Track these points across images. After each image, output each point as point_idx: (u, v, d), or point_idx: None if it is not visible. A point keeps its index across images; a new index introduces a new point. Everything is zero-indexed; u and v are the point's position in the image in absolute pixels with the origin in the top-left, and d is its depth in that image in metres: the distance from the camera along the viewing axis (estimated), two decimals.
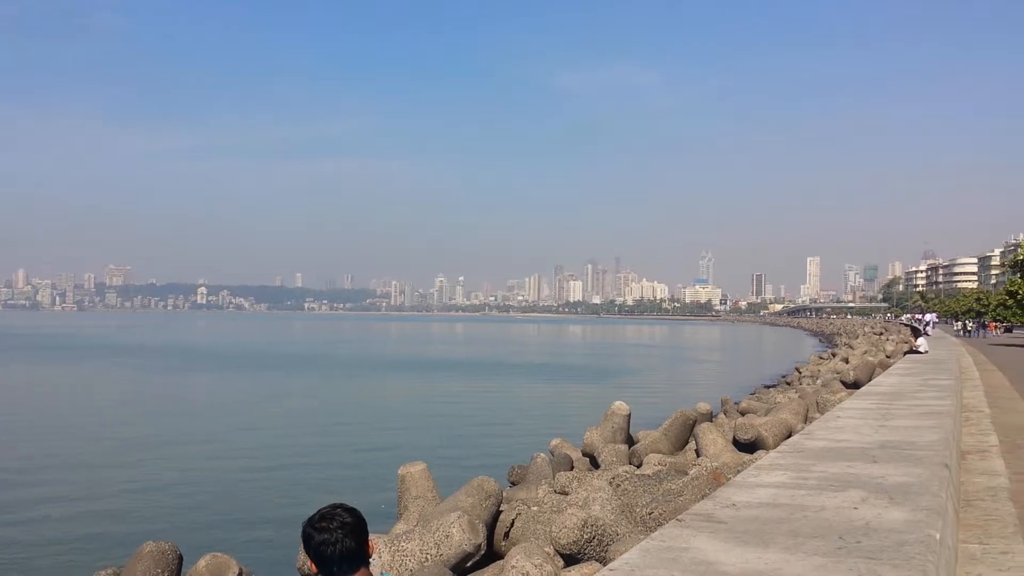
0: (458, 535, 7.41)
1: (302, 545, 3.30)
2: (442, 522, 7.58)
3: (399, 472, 11.08)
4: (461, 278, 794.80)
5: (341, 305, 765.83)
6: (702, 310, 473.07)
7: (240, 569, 8.71)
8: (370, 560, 3.36)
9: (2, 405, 35.36)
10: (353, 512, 3.32)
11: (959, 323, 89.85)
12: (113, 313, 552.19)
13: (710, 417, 19.11)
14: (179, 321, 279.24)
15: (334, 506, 3.35)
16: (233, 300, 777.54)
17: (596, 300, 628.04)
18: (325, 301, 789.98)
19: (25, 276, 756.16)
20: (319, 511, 3.32)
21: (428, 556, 7.37)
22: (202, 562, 8.53)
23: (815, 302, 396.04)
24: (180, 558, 8.75)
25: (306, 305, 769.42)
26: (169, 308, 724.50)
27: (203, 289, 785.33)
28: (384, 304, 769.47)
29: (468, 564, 7.89)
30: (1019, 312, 52.78)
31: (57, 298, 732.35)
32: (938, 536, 3.93)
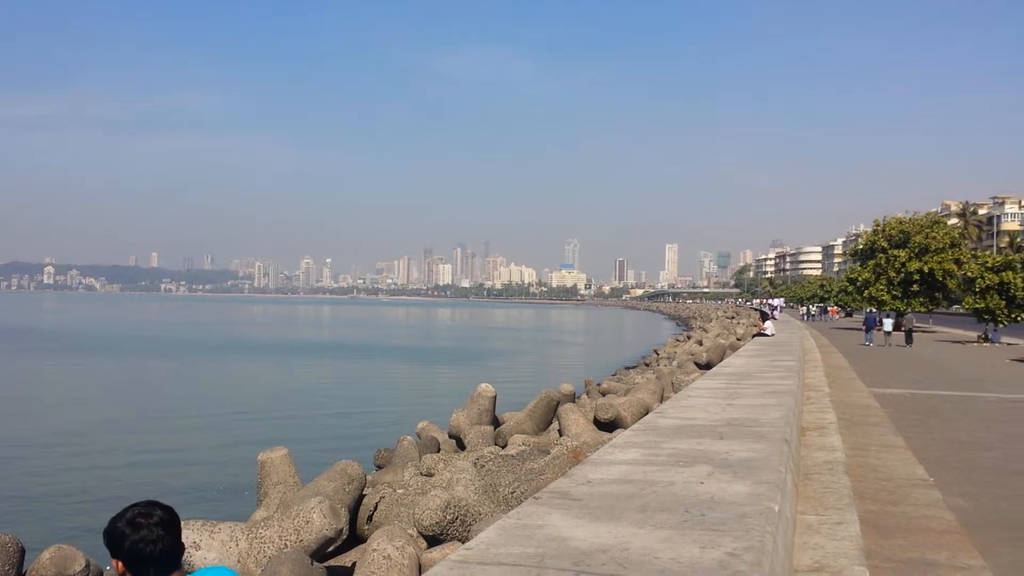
0: (319, 520, 7.31)
1: (107, 544, 2.94)
2: (302, 507, 7.46)
3: (259, 458, 10.80)
4: (328, 260, 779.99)
5: (201, 287, 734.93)
6: (568, 294, 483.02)
7: (87, 561, 8.29)
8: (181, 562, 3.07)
9: None
10: (169, 509, 3.04)
11: (804, 308, 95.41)
12: None
13: (573, 398, 19.58)
14: (23, 302, 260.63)
15: (148, 502, 3.04)
16: (83, 280, 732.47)
17: (465, 284, 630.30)
18: (183, 282, 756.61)
19: None
20: (131, 507, 3.00)
21: (287, 542, 7.23)
22: (46, 555, 8.06)
23: (673, 287, 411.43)
24: (22, 551, 8.24)
25: (163, 286, 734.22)
26: (12, 288, 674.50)
27: (50, 268, 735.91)
28: (247, 286, 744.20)
29: (330, 549, 7.79)
30: (858, 298, 56.49)
31: None
32: (777, 508, 4.18)
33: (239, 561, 7.17)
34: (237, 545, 7.26)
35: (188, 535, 7.41)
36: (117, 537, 2.94)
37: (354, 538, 9.11)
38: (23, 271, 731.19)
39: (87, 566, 8.34)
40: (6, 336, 73.66)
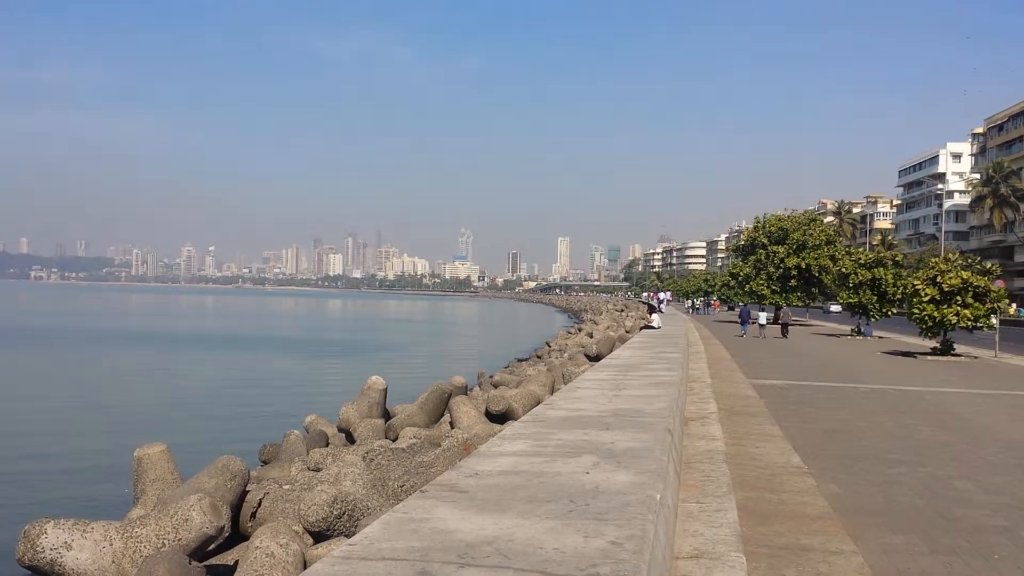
0: (198, 518, 7.07)
1: None
2: (181, 505, 7.19)
3: (135, 454, 10.36)
4: (212, 248, 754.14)
5: (74, 274, 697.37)
6: (461, 286, 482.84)
7: None
8: None
9: None
10: None
11: (689, 301, 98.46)
12: None
13: (465, 390, 19.61)
14: None
15: None
16: None
17: (357, 274, 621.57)
18: (55, 269, 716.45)
19: None
20: None
21: (165, 541, 6.96)
22: None
23: (565, 280, 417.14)
24: None
25: (32, 273, 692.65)
26: None
27: None
28: (124, 274, 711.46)
29: (211, 547, 7.55)
30: (740, 292, 58.67)
31: None
32: (659, 496, 4.29)
33: (114, 561, 6.86)
34: (111, 545, 6.94)
35: (59, 535, 7.05)
36: None
37: (237, 536, 8.86)
38: None
39: None
40: None
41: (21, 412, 25.41)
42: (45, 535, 7.06)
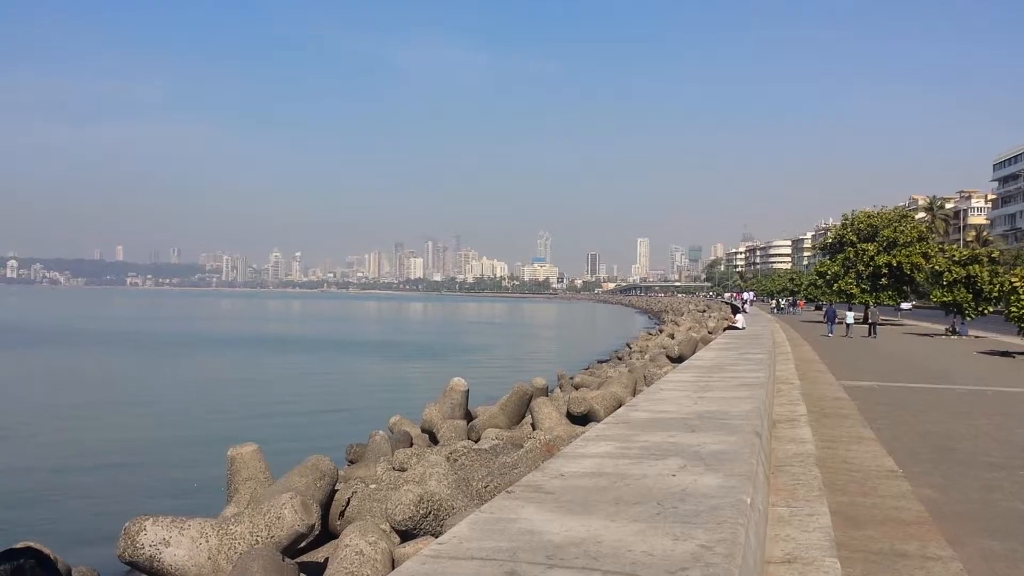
0: (290, 516, 7.25)
1: None
2: (273, 503, 7.39)
3: (228, 454, 10.70)
4: (298, 254, 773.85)
5: (167, 280, 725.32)
6: (540, 288, 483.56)
7: (55, 559, 8.18)
8: None
9: None
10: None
11: (774, 301, 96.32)
12: None
13: (546, 392, 19.61)
14: None
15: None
16: (47, 274, 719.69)
17: (437, 277, 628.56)
18: (149, 276, 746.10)
19: None
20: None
21: (259, 538, 7.17)
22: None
23: (644, 281, 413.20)
24: None
25: (128, 280, 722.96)
26: None
27: (13, 262, 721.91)
28: (215, 279, 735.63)
29: (301, 545, 7.74)
30: (828, 291, 57.16)
31: None
32: (749, 500, 4.20)
33: (210, 558, 7.10)
34: (207, 542, 7.18)
35: (157, 532, 7.32)
36: None
37: (326, 534, 9.05)
38: None
39: (55, 563, 8.22)
40: None
41: (119, 413, 26.55)
42: (144, 532, 7.33)
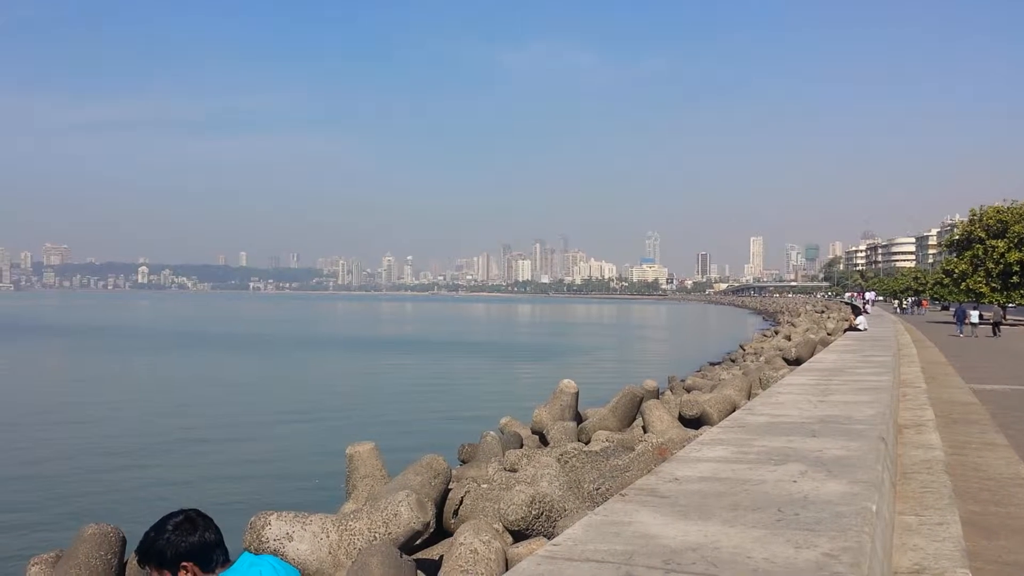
0: (406, 513, 7.42)
1: (169, 555, 3.35)
2: (390, 501, 7.58)
3: (347, 451, 11.02)
4: (409, 257, 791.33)
5: (287, 284, 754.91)
6: (649, 289, 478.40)
7: None
8: None
9: None
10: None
11: (896, 301, 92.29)
12: (51, 293, 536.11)
13: (657, 394, 19.38)
14: (120, 301, 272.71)
15: (165, 517, 3.50)
16: (176, 279, 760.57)
17: (545, 279, 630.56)
18: (271, 280, 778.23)
19: None
20: (163, 521, 3.45)
21: (376, 535, 7.36)
22: None
23: (758, 281, 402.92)
24: (123, 540, 8.60)
25: (251, 284, 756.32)
26: (109, 288, 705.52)
27: (144, 268, 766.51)
28: (331, 283, 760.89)
29: (417, 542, 7.90)
30: (955, 290, 54.36)
31: None
32: (874, 508, 4.04)
33: (330, 552, 7.33)
34: (328, 537, 7.42)
35: (281, 526, 7.62)
36: (181, 543, 3.37)
37: (440, 532, 9.22)
38: (119, 271, 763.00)
39: None
40: (109, 334, 77.16)
41: (246, 412, 27.77)
42: (269, 526, 7.64)
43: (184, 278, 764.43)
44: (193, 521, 3.45)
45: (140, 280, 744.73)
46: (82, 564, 8.17)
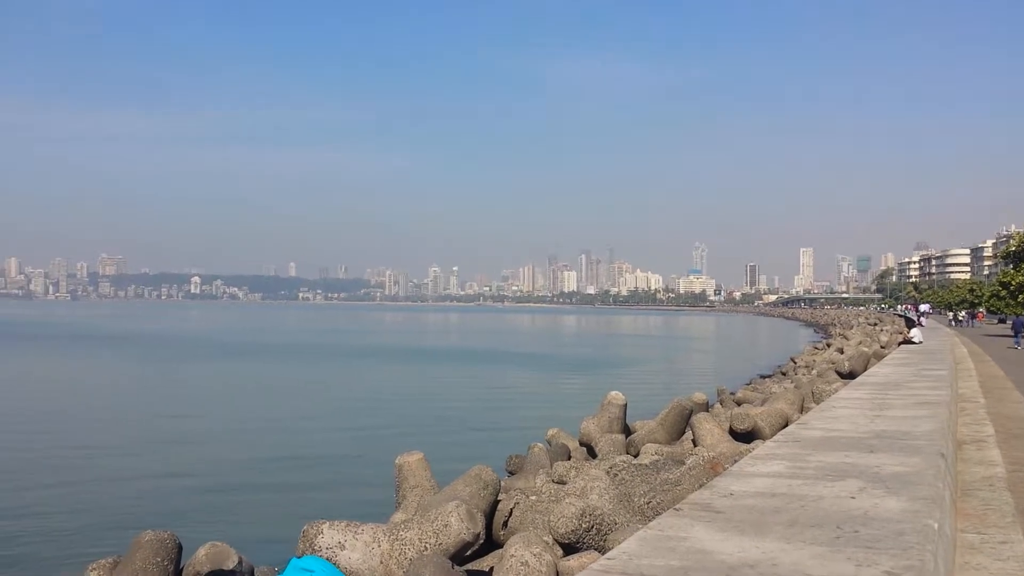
0: (456, 524, 7.45)
1: None
2: (440, 511, 7.62)
3: (396, 461, 11.10)
4: (455, 268, 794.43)
5: (335, 295, 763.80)
6: (696, 300, 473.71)
7: (240, 558, 8.73)
8: None
9: None
10: None
11: (951, 313, 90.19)
12: (106, 303, 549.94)
13: (706, 407, 19.19)
14: (173, 311, 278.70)
15: None
16: (227, 290, 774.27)
17: (591, 290, 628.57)
18: (319, 291, 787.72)
19: (18, 265, 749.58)
20: None
21: (427, 545, 7.40)
22: (202, 551, 8.54)
23: (809, 293, 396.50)
24: (179, 547, 8.76)
25: (300, 295, 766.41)
26: (162, 297, 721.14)
27: (197, 279, 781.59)
28: (379, 294, 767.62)
29: (467, 553, 7.93)
30: (1012, 303, 52.95)
31: (50, 287, 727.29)
32: (936, 525, 3.97)
33: (382, 562, 7.39)
34: (379, 546, 7.49)
35: (333, 535, 7.70)
36: None
37: (490, 543, 9.22)
38: (171, 281, 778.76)
39: (240, 563, 8.80)
40: (162, 343, 78.86)
41: (293, 420, 28.12)
42: (322, 535, 7.73)
43: (235, 288, 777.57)
44: None
45: (192, 290, 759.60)
46: (139, 570, 8.34)
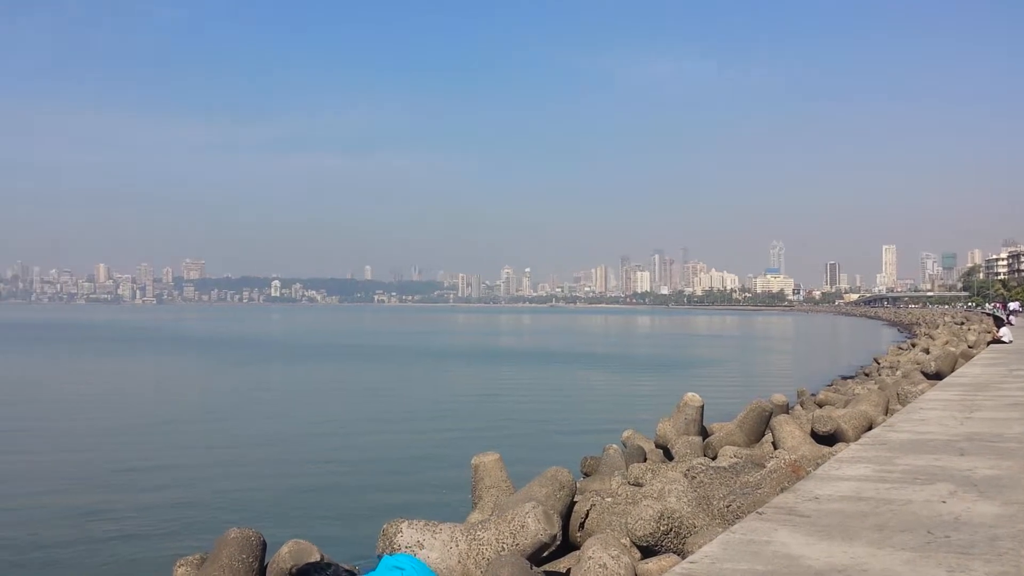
0: (533, 525, 7.47)
1: None
2: (517, 512, 7.65)
3: (472, 462, 11.19)
4: (528, 270, 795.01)
5: (409, 297, 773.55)
6: (774, 300, 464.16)
7: (321, 555, 8.93)
8: None
9: (94, 398, 36.85)
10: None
11: None
12: (191, 306, 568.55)
13: (786, 409, 18.78)
14: (255, 313, 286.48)
15: None
16: (306, 293, 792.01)
17: (664, 291, 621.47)
18: (394, 293, 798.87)
19: (107, 271, 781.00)
20: None
21: (504, 546, 7.44)
22: (285, 548, 8.76)
23: (892, 291, 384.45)
24: (264, 544, 9.00)
25: (376, 297, 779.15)
26: (244, 301, 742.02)
27: (276, 282, 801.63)
28: (452, 296, 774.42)
29: (544, 554, 7.94)
30: None
31: (137, 292, 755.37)
32: None
33: (459, 561, 7.47)
34: (457, 546, 7.56)
35: (412, 534, 7.81)
36: None
37: (566, 545, 9.22)
38: (253, 285, 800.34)
39: (321, 559, 8.99)
40: (244, 345, 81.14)
41: (371, 420, 28.61)
42: (401, 534, 7.85)
43: (313, 292, 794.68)
44: None
45: (273, 294, 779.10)
46: (225, 567, 8.59)
